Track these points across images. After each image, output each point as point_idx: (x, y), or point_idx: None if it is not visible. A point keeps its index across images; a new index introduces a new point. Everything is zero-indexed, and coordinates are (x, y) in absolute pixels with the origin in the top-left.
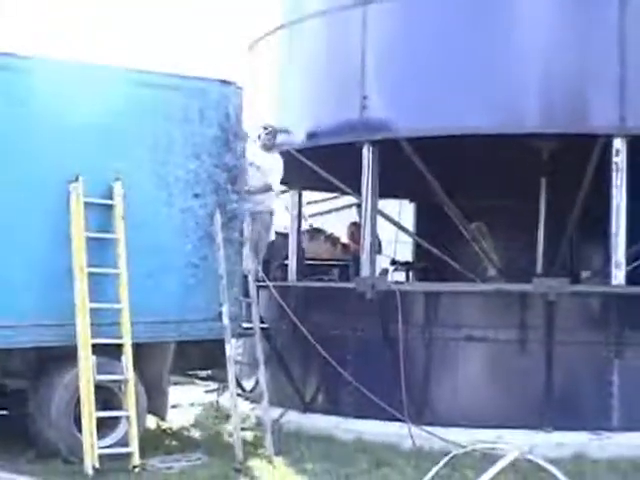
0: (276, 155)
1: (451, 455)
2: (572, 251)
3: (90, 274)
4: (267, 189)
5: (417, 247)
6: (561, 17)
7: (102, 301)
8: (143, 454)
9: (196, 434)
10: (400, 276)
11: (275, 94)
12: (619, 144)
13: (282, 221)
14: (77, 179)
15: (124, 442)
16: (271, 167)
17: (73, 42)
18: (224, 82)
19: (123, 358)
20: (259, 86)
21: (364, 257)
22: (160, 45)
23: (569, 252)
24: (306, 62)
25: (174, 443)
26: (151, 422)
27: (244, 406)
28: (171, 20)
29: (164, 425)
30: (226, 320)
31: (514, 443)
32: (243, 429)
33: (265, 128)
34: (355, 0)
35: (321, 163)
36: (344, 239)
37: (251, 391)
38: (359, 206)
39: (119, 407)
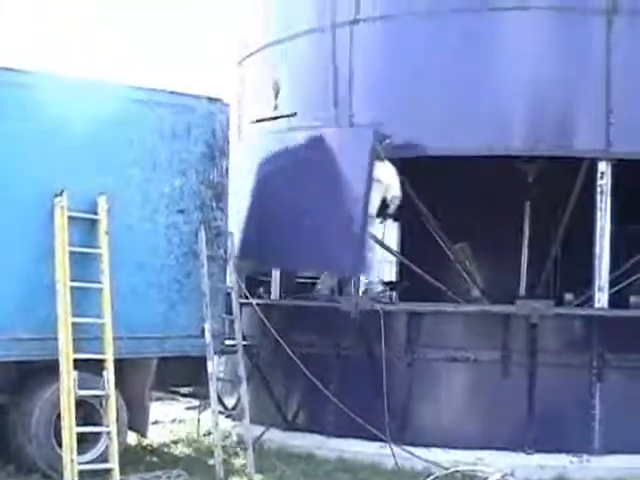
0: (391, 167)
1: (433, 477)
2: (556, 273)
3: (73, 288)
4: (385, 205)
5: (401, 267)
6: (548, 40)
7: (85, 316)
8: (123, 470)
9: (177, 451)
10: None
11: (262, 110)
12: (604, 167)
13: None
14: (62, 193)
15: (104, 458)
16: (390, 181)
17: (73, 42)
18: (211, 99)
19: (105, 373)
20: (248, 101)
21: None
22: (152, 56)
23: (553, 274)
24: (293, 79)
25: (155, 460)
26: (132, 438)
27: (225, 423)
28: (162, 34)
29: (145, 441)
30: (209, 337)
31: (496, 465)
32: (224, 447)
33: (384, 137)
34: (343, 19)
35: None
36: None
37: (233, 409)
38: None
39: (100, 422)
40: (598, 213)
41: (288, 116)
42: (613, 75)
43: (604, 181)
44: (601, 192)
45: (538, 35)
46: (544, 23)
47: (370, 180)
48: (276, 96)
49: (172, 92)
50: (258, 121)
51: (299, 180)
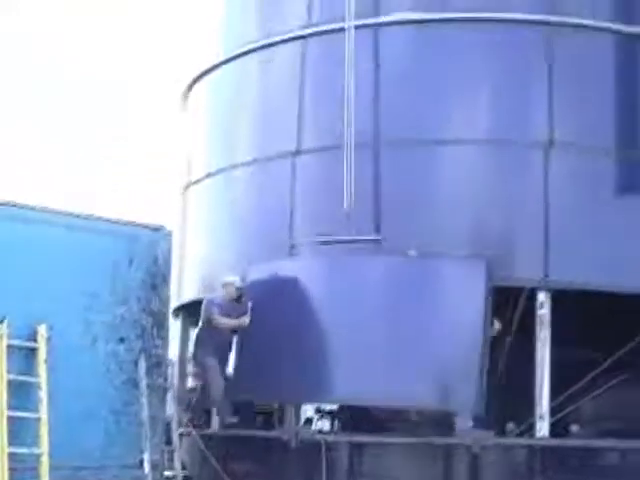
0: None
1: None
2: (497, 402)
3: (11, 417)
4: None
5: None
6: (486, 173)
7: (22, 445)
8: None
9: None
10: (325, 425)
11: (204, 240)
12: (543, 297)
13: None
14: (2, 321)
15: None
16: None
17: None
18: (154, 228)
19: None
20: (189, 230)
21: (289, 405)
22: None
23: (495, 403)
24: (234, 210)
25: None
26: None
27: None
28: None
29: None
30: (147, 468)
31: None
32: None
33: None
34: (282, 151)
35: None
36: None
37: None
38: None
39: None
40: (538, 343)
41: (369, 241)
42: (551, 206)
43: (544, 311)
44: (540, 322)
45: (476, 167)
46: (482, 156)
47: (487, 313)
48: (347, 218)
49: (115, 221)
50: (326, 243)
51: (369, 308)
